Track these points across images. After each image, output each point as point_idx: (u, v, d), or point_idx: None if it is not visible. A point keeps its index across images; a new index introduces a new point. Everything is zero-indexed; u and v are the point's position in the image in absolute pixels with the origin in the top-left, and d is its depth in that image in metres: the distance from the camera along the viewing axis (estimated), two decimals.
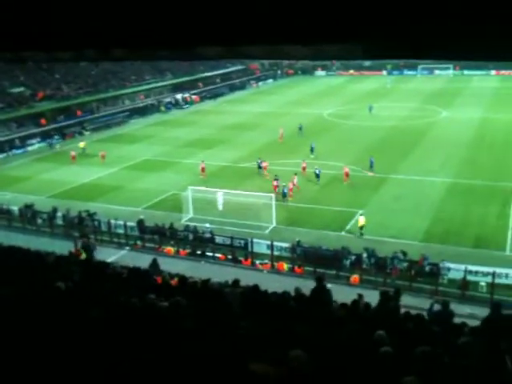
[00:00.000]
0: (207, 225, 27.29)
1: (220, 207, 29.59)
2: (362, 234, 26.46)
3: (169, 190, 34.66)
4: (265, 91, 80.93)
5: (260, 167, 37.11)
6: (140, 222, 27.77)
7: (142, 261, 19.42)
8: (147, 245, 26.60)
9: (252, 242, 24.63)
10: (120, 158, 43.77)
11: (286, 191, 31.53)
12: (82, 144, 47.99)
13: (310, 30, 3.24)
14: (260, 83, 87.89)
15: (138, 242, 26.95)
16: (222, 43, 3.89)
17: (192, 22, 3.45)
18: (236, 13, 3.21)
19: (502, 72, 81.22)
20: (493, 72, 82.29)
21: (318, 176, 34.49)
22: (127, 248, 25.88)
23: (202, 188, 31.15)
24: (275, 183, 32.56)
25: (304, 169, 36.39)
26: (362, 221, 26.54)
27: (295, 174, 33.81)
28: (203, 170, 37.45)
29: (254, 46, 3.91)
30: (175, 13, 3.36)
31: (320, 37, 3.33)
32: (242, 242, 25.31)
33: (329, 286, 21.33)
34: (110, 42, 4.09)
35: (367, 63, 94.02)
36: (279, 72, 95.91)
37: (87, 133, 56.53)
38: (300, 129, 48.55)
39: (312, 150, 41.06)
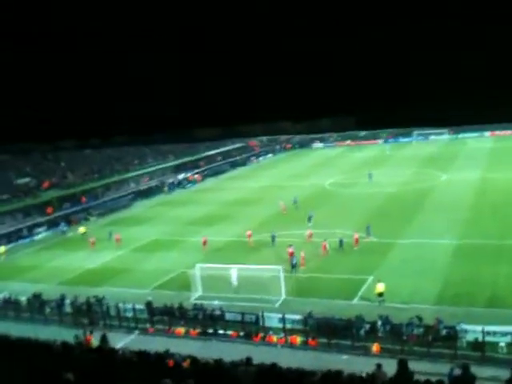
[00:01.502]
0: (216, 302, 27.01)
1: (235, 283, 29.39)
2: (382, 301, 25.93)
3: (176, 268, 34.57)
4: (265, 166, 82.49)
5: (274, 240, 37.24)
6: (148, 304, 27.50)
7: (153, 344, 19.11)
8: (157, 327, 26.22)
9: (263, 316, 24.28)
10: (126, 240, 43.92)
11: (295, 262, 31.53)
12: (82, 229, 48.40)
13: (303, 107, 3.41)
14: (260, 158, 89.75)
15: (148, 326, 26.58)
16: (218, 124, 4.05)
17: (188, 106, 3.63)
18: (231, 94, 3.38)
19: (497, 133, 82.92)
20: (487, 133, 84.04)
21: (341, 244, 34.70)
22: (137, 332, 25.50)
23: (210, 265, 31.10)
24: (291, 250, 32.82)
25: (310, 236, 36.91)
26: (380, 288, 26.15)
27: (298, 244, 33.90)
28: (205, 243, 38.33)
29: (249, 124, 4.08)
30: (171, 98, 3.53)
31: (312, 112, 3.51)
32: (253, 316, 24.94)
33: (345, 357, 20.98)
34: (112, 129, 4.28)
35: (362, 133, 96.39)
36: (278, 147, 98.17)
37: (93, 218, 57.14)
38: (295, 202, 48.96)
39: (309, 219, 41.57)
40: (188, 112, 3.70)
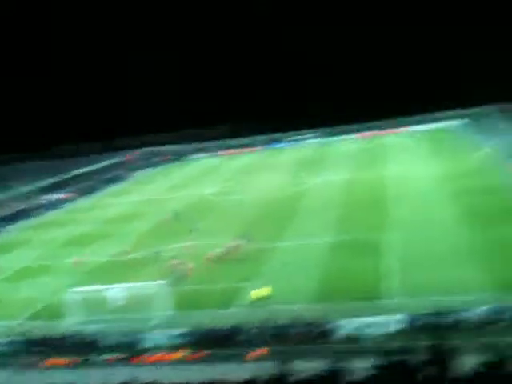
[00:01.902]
0: (92, 326, 25.71)
1: (118, 303, 28.14)
2: (266, 305, 26.36)
3: (49, 295, 32.43)
4: (144, 180, 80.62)
5: (158, 257, 36.17)
6: (20, 336, 25.45)
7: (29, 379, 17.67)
8: (31, 359, 24.34)
9: (143, 335, 23.55)
10: None
11: (178, 275, 31.16)
12: None
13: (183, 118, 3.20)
14: (138, 172, 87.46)
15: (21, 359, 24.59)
16: (98, 139, 3.76)
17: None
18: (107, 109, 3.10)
19: (364, 134, 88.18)
20: (354, 135, 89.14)
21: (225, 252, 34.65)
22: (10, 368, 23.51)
23: (85, 288, 29.50)
24: (174, 262, 32.51)
25: (188, 249, 36.60)
26: (263, 292, 26.79)
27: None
28: (76, 264, 37.48)
29: (131, 137, 3.83)
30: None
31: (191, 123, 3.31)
32: (132, 337, 24.04)
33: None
34: None
35: (242, 141, 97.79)
36: (156, 159, 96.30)
37: None
38: (176, 214, 48.54)
39: (192, 230, 41.67)
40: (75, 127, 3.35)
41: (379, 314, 23.25)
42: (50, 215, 62.92)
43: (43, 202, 67.77)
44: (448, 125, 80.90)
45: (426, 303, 23.25)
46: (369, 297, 25.97)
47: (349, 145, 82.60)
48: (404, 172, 54.32)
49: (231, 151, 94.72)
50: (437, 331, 20.16)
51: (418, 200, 42.44)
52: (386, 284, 27.18)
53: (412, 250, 31.22)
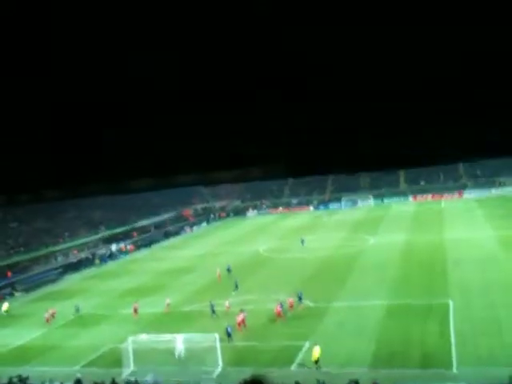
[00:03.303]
0: (148, 378, 25.95)
1: (180, 353, 28.55)
2: (319, 367, 25.93)
3: (107, 343, 33.12)
4: (199, 235, 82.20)
5: (213, 311, 36.30)
6: (77, 382, 26.04)
7: None
8: None
9: None
10: (55, 315, 41.76)
11: (230, 330, 31.03)
12: (4, 307, 45.59)
13: (234, 157, 3.58)
14: (194, 228, 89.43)
15: None
16: (153, 175, 4.18)
17: (123, 158, 3.69)
18: (166, 146, 3.51)
19: (418, 197, 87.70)
20: (410, 198, 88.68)
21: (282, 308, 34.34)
22: None
23: (143, 336, 30.08)
24: (242, 316, 32.85)
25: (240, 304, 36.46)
26: (316, 352, 26.25)
27: (241, 311, 33.60)
28: (136, 311, 38.26)
29: (183, 175, 4.24)
30: (106, 150, 3.58)
31: (242, 162, 3.66)
32: None
33: None
34: (41, 184, 4.25)
35: (295, 201, 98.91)
36: (212, 215, 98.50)
37: (18, 293, 54.13)
38: (228, 270, 48.96)
39: (236, 286, 42.12)
40: (123, 164, 3.72)
41: (438, 382, 22.43)
42: (109, 265, 64.87)
43: (104, 252, 70.14)
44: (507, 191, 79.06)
45: (488, 374, 22.28)
46: (427, 364, 25.12)
47: (404, 207, 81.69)
48: (463, 235, 52.98)
49: (286, 210, 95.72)
50: None
51: (478, 264, 41.17)
52: (447, 351, 26.23)
53: (474, 317, 30.11)
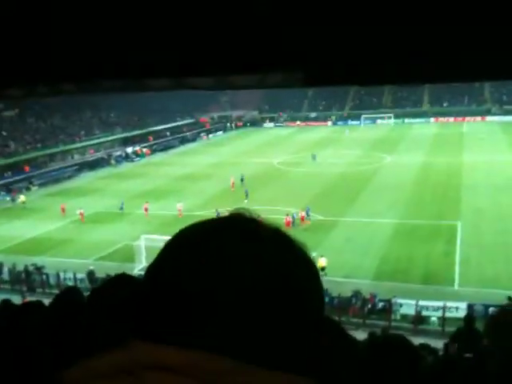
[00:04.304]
0: None
1: None
2: (324, 275, 26.64)
3: (121, 240, 34.18)
4: (215, 143, 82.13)
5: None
6: (90, 274, 27.16)
7: None
8: None
9: None
10: (70, 211, 42.89)
11: None
12: (22, 198, 46.99)
13: (252, 60, 3.37)
14: (210, 135, 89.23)
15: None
16: (169, 75, 4.01)
17: (141, 56, 3.58)
18: (183, 45, 3.36)
19: (440, 119, 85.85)
20: (432, 119, 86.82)
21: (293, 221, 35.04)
22: None
23: (156, 236, 30.87)
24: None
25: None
26: (322, 262, 26.84)
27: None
28: (146, 210, 39.77)
29: (200, 77, 4.06)
30: (123, 46, 3.46)
31: (263, 66, 3.46)
32: None
33: None
34: (59, 76, 4.13)
35: (313, 114, 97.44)
36: (228, 124, 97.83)
37: (34, 188, 55.38)
38: (242, 180, 49.22)
39: (246, 195, 42.44)
40: (141, 62, 3.64)
41: (440, 299, 22.97)
42: (125, 167, 65.63)
43: (120, 153, 70.73)
44: None
45: (488, 295, 22.69)
46: (429, 281, 25.67)
47: (425, 128, 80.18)
48: (482, 160, 52.20)
49: (304, 123, 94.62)
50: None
51: (495, 190, 40.79)
52: (450, 271, 26.68)
53: (484, 241, 30.27)
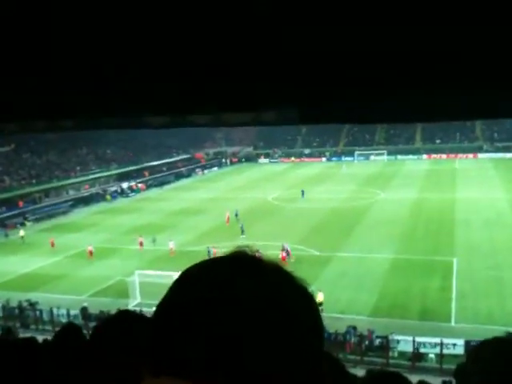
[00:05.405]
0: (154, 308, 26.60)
1: None
2: (321, 311, 26.37)
3: (114, 276, 33.93)
4: (210, 178, 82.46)
5: (209, 254, 36.42)
6: (83, 310, 26.86)
7: None
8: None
9: None
10: (64, 246, 42.68)
11: None
12: (21, 233, 47.00)
13: (249, 98, 3.43)
14: (205, 171, 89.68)
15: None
16: (168, 113, 4.08)
17: (140, 95, 3.60)
18: (181, 85, 3.41)
19: (433, 156, 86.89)
20: (424, 156, 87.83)
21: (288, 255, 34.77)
22: None
23: (150, 272, 30.71)
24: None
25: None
26: (320, 297, 26.65)
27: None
28: (141, 244, 40.01)
29: (197, 115, 4.14)
30: (123, 86, 3.48)
31: (257, 104, 3.53)
32: None
33: None
34: (58, 113, 4.18)
35: (307, 151, 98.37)
36: (224, 160, 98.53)
37: (29, 223, 55.18)
38: (236, 215, 49.23)
39: (242, 231, 42.28)
40: (140, 101, 3.64)
41: (437, 335, 22.82)
42: (120, 202, 65.61)
43: (115, 188, 70.82)
44: None
45: (484, 331, 22.57)
46: (426, 317, 25.54)
47: (418, 164, 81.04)
48: (474, 195, 52.67)
49: (299, 159, 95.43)
50: None
51: (487, 225, 41.08)
52: (446, 307, 26.59)
53: (478, 276, 30.29)
